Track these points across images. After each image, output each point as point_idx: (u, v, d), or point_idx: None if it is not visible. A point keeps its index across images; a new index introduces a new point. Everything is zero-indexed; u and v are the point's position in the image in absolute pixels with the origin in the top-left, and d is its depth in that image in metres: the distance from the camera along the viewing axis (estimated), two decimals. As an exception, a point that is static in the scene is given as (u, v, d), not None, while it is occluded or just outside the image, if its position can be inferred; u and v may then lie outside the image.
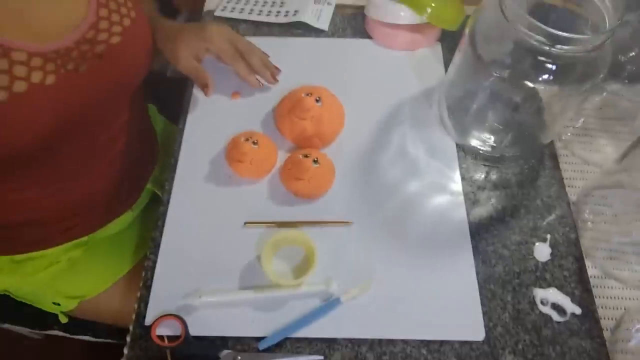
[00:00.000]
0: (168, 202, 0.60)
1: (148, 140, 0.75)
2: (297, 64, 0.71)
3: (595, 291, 0.55)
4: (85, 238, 0.68)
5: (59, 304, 0.69)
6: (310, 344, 0.51)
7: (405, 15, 0.71)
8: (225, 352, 0.50)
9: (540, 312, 0.54)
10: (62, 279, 0.68)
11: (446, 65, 0.73)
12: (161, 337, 0.51)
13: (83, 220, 0.66)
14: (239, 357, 0.50)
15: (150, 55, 0.61)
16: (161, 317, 0.51)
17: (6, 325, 0.80)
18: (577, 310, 0.54)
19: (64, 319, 0.73)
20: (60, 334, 0.79)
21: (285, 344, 0.51)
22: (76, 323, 0.75)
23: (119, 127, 0.62)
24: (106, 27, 0.53)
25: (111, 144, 0.62)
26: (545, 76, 0.51)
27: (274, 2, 0.80)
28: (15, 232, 0.62)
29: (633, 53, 0.59)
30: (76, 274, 0.69)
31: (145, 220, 0.76)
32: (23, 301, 0.71)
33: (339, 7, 0.80)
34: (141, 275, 0.55)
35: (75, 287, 0.69)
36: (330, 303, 0.52)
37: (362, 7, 0.78)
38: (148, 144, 0.76)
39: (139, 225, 0.76)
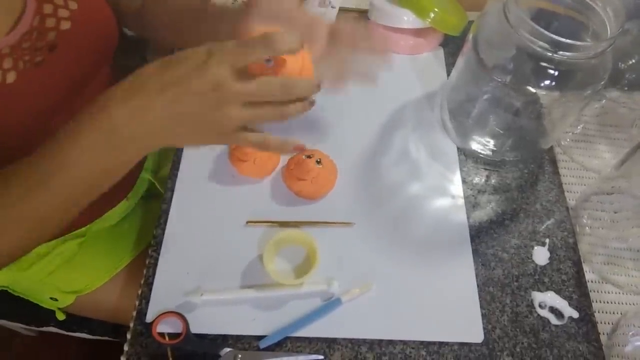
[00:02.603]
0: (170, 199, 0.60)
1: None
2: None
3: (592, 295, 0.56)
4: (82, 230, 0.68)
5: (56, 299, 0.69)
6: (311, 343, 0.51)
7: (408, 19, 0.71)
8: (226, 350, 0.50)
9: (539, 315, 0.54)
10: (59, 273, 0.68)
11: (448, 70, 0.74)
12: (162, 335, 0.51)
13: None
14: (240, 356, 0.50)
15: (112, 38, 0.57)
16: (162, 314, 0.51)
17: (1, 322, 0.80)
18: (575, 314, 0.54)
19: (61, 316, 0.73)
20: (56, 330, 0.78)
21: (285, 343, 0.51)
22: (72, 320, 0.75)
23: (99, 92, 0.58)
24: (51, 12, 0.50)
25: None
26: (547, 82, 0.52)
27: (278, 4, 0.81)
28: None
29: (633, 61, 0.60)
30: (73, 268, 0.68)
31: (142, 214, 0.76)
32: (22, 297, 0.71)
33: (342, 11, 0.81)
34: (140, 272, 0.55)
35: (72, 282, 0.69)
36: (331, 303, 0.53)
37: (365, 11, 0.79)
38: None
39: (136, 218, 0.75)
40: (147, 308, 0.53)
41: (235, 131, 0.40)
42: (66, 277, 0.68)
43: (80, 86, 0.56)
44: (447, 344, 0.52)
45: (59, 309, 0.71)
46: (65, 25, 0.51)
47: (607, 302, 0.56)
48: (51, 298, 0.69)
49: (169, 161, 0.80)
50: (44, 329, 0.79)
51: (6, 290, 0.70)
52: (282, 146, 0.44)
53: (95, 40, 0.55)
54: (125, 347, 0.51)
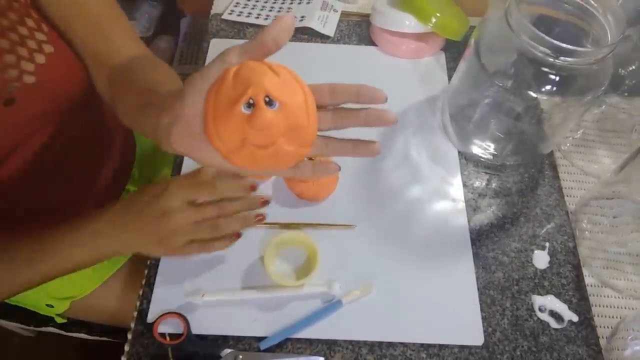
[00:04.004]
0: (172, 200, 0.60)
1: (117, 143, 0.70)
2: (302, 69, 0.71)
3: (592, 299, 0.56)
4: None
5: (52, 306, 0.69)
6: (311, 344, 0.52)
7: (410, 24, 0.72)
8: (227, 351, 0.50)
9: (538, 318, 0.55)
10: (51, 282, 0.67)
11: (449, 74, 0.74)
12: (163, 335, 0.51)
13: None
14: (240, 357, 0.50)
15: (84, 92, 0.54)
16: (163, 314, 0.52)
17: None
18: (575, 318, 0.55)
19: (60, 320, 0.73)
20: (55, 331, 0.78)
21: (286, 344, 0.51)
22: (71, 321, 0.75)
23: (69, 140, 0.57)
24: (13, 62, 0.47)
25: (62, 158, 0.57)
26: (548, 87, 0.52)
27: (281, 8, 0.81)
28: None
29: (633, 67, 0.60)
30: (64, 276, 0.68)
31: None
32: (18, 305, 0.71)
33: (344, 14, 0.81)
34: (137, 275, 0.56)
35: (65, 289, 0.69)
36: (331, 305, 0.53)
37: (367, 15, 0.79)
38: (124, 145, 0.72)
39: None
40: (148, 308, 0.53)
41: (182, 246, 0.49)
42: (58, 284, 0.67)
43: (46, 136, 0.53)
44: (447, 346, 0.52)
45: (57, 314, 0.71)
46: (29, 79, 0.48)
47: (607, 306, 0.56)
48: (47, 305, 0.69)
49: (157, 173, 0.81)
50: (43, 329, 0.79)
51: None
52: (224, 244, 0.51)
53: (64, 96, 0.53)
54: (126, 347, 0.51)
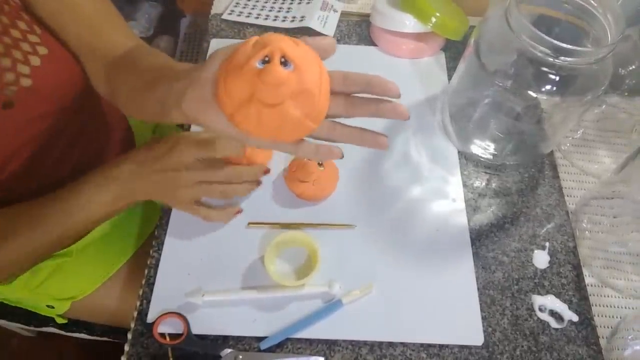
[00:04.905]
0: (172, 200, 0.60)
1: (115, 142, 0.71)
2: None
3: (592, 299, 0.56)
4: (66, 250, 0.66)
5: (53, 307, 0.69)
6: (311, 344, 0.52)
7: (410, 24, 0.72)
8: (227, 351, 0.50)
9: (538, 318, 0.55)
10: (50, 282, 0.67)
11: (449, 74, 0.74)
12: (163, 335, 0.51)
13: None
14: (240, 357, 0.50)
15: (82, 92, 0.54)
16: (163, 314, 0.52)
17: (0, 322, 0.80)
18: (575, 318, 0.55)
19: (61, 321, 0.73)
20: (55, 331, 0.79)
21: (286, 344, 0.51)
22: (72, 321, 0.75)
23: (68, 141, 0.58)
24: (9, 66, 0.47)
25: (61, 159, 0.58)
26: (548, 87, 0.52)
27: (280, 8, 0.81)
28: None
29: (633, 67, 0.60)
30: (63, 276, 0.68)
31: (129, 218, 0.75)
32: (19, 306, 0.71)
33: (344, 14, 0.81)
34: (138, 276, 0.56)
35: (65, 290, 0.69)
36: (331, 305, 0.53)
37: (367, 15, 0.79)
38: (123, 144, 0.73)
39: (125, 223, 0.74)
40: (148, 308, 0.53)
41: (189, 202, 0.53)
42: (58, 285, 0.68)
43: (44, 138, 0.53)
44: (447, 346, 0.52)
45: (57, 315, 0.71)
46: (26, 82, 0.48)
47: (607, 306, 0.56)
48: (47, 306, 0.69)
49: None
50: (43, 329, 0.79)
51: (2, 302, 0.70)
52: (224, 217, 0.56)
53: (61, 97, 0.53)
54: (126, 348, 0.51)
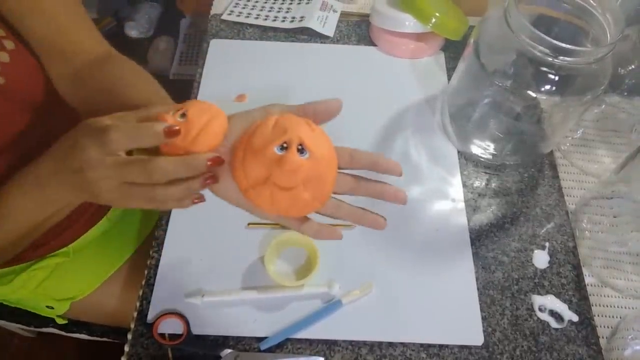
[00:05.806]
0: (172, 201, 0.60)
1: None
2: (302, 69, 0.72)
3: (592, 299, 0.56)
4: (64, 250, 0.66)
5: (52, 308, 0.69)
6: (311, 345, 0.52)
7: (409, 24, 0.72)
8: (227, 351, 0.50)
9: (538, 318, 0.54)
10: (49, 283, 0.67)
11: (449, 74, 0.74)
12: (163, 335, 0.51)
13: (53, 237, 0.64)
14: (240, 357, 0.50)
15: (47, 91, 0.51)
16: (163, 315, 0.52)
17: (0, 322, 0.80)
18: (575, 318, 0.54)
19: (61, 321, 0.73)
20: (56, 331, 0.79)
21: (286, 344, 0.51)
22: (72, 322, 0.75)
23: (42, 139, 0.52)
24: None
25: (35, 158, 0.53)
26: (547, 87, 0.52)
27: (280, 8, 0.81)
28: None
29: (632, 66, 0.60)
30: (62, 277, 0.68)
31: (127, 219, 0.75)
32: (18, 307, 0.71)
33: (344, 15, 0.81)
34: (137, 276, 0.56)
35: (64, 290, 0.69)
36: (331, 305, 0.53)
37: (367, 15, 0.79)
38: None
39: (123, 223, 0.75)
40: (148, 309, 0.53)
41: (115, 190, 0.38)
42: (57, 286, 0.68)
43: (14, 138, 0.51)
44: (447, 346, 0.52)
45: (57, 315, 0.71)
46: None
47: (607, 306, 0.56)
48: (47, 306, 0.69)
49: None
50: (43, 329, 0.79)
51: (2, 302, 0.70)
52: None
53: (32, 95, 0.51)
54: (126, 348, 0.51)
